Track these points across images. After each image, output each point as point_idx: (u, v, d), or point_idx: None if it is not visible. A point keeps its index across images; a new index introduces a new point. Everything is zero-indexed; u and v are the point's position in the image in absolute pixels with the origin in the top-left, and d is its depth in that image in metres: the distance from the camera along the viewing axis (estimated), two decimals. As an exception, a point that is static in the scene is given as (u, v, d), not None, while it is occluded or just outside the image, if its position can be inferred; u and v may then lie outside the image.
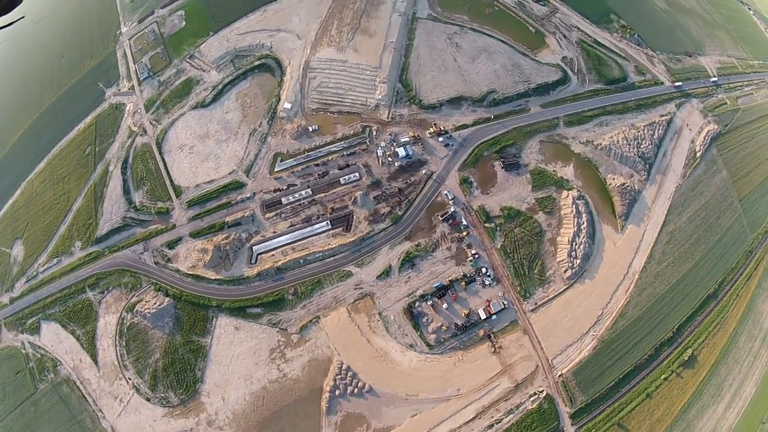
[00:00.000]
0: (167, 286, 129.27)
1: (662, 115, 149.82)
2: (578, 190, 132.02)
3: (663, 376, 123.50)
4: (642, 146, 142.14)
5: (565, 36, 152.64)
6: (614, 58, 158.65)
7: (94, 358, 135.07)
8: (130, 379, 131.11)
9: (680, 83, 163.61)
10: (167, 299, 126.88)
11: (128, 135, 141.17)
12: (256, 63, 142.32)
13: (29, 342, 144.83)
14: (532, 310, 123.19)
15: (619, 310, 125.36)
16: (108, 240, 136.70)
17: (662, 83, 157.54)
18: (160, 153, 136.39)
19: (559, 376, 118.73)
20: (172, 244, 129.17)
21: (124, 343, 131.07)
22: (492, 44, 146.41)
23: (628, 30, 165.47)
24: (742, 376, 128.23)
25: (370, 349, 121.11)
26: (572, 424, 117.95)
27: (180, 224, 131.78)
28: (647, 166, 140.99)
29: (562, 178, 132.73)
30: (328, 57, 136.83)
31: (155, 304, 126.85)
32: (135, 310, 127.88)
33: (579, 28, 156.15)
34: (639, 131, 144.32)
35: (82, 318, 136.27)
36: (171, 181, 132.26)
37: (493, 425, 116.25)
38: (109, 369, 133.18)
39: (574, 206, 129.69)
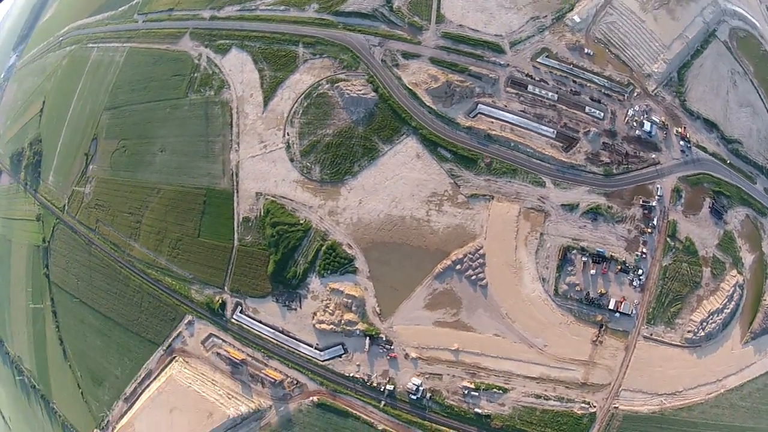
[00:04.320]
0: (380, 84, 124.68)
1: None
2: (744, 280, 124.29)
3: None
4: None
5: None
6: None
7: (266, 100, 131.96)
8: (288, 134, 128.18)
9: None
10: (373, 94, 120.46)
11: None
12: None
13: (208, 57, 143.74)
14: (645, 337, 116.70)
15: (690, 403, 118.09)
16: (347, 18, 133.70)
17: None
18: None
19: (615, 407, 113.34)
20: (408, 56, 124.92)
21: (305, 104, 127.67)
22: (760, 107, 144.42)
23: None
24: None
25: (510, 255, 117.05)
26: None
27: (426, 45, 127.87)
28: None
29: (740, 258, 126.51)
30: (631, 8, 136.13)
31: (359, 90, 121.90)
32: (336, 84, 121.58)
33: None
34: None
35: (279, 64, 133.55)
36: (439, 7, 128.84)
37: (540, 397, 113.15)
38: (273, 116, 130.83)
39: (732, 289, 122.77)
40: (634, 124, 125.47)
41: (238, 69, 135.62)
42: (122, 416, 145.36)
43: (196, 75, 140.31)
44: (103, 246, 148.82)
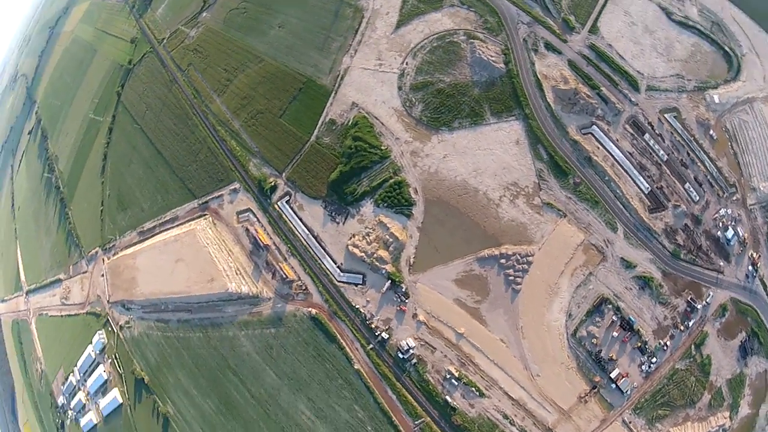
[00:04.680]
0: (513, 60, 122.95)
1: None
2: (730, 428, 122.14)
3: None
4: None
5: None
6: None
7: (399, 23, 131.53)
8: (406, 64, 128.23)
9: None
10: (503, 65, 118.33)
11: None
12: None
13: None
14: (623, 422, 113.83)
15: None
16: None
17: None
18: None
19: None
20: (549, 47, 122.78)
21: (435, 44, 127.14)
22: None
23: None
24: None
25: (554, 276, 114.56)
26: None
27: (570, 46, 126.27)
28: None
29: (739, 405, 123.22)
30: (766, 119, 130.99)
31: (491, 56, 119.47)
32: (472, 41, 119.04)
33: None
34: None
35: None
36: (597, 17, 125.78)
37: (507, 418, 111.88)
38: (400, 41, 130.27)
39: (716, 429, 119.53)
40: (720, 224, 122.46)
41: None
42: (129, 246, 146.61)
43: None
44: (185, 88, 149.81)
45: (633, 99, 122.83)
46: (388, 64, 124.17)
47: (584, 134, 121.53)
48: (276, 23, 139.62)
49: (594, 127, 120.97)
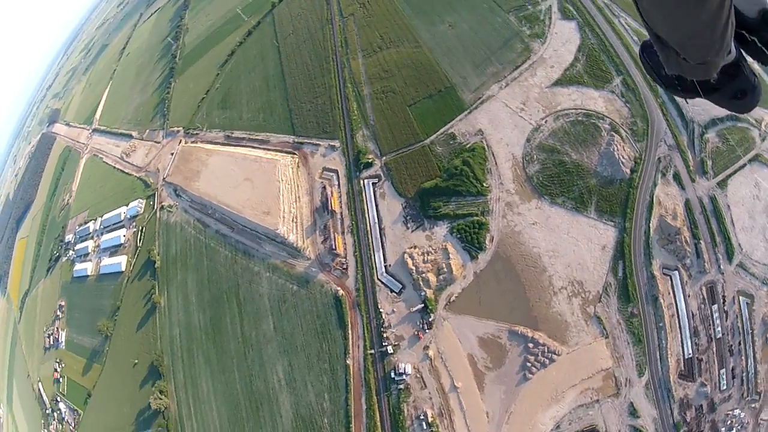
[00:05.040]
0: (640, 173, 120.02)
1: None
2: None
3: None
4: None
5: None
6: None
7: (558, 82, 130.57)
8: (545, 122, 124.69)
9: None
10: (629, 171, 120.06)
11: None
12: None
13: (551, 8, 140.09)
14: None
15: None
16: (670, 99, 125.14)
17: None
18: None
19: None
20: (677, 178, 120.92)
21: (578, 117, 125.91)
22: None
23: None
24: None
25: (563, 388, 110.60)
26: None
27: (695, 186, 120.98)
28: None
29: None
30: None
31: (624, 158, 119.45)
32: (612, 133, 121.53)
33: None
34: None
35: (593, 73, 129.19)
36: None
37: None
38: (550, 97, 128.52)
39: None
40: (728, 422, 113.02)
41: (562, 40, 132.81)
42: (210, 143, 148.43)
43: (530, 8, 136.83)
44: (337, 34, 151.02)
45: (722, 267, 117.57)
46: (529, 113, 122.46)
47: (664, 274, 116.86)
48: (448, 20, 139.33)
49: (676, 272, 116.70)
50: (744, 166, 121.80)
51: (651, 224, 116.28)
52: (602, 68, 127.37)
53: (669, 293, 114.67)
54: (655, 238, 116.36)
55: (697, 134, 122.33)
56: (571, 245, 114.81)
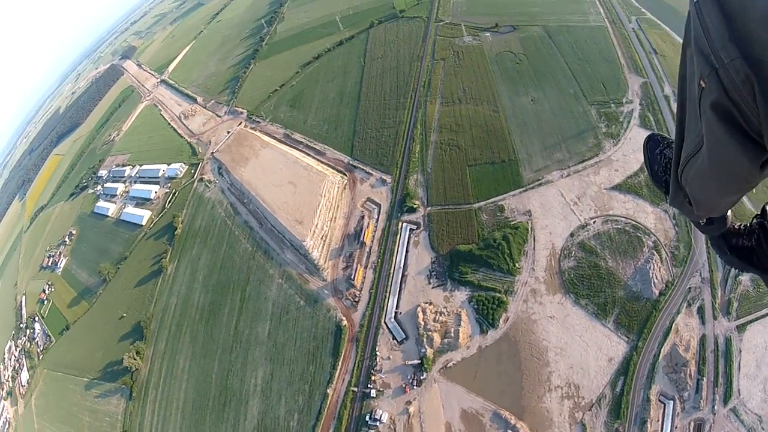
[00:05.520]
0: (668, 297, 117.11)
1: None
2: None
3: None
4: None
5: None
6: None
7: (617, 187, 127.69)
8: (594, 222, 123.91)
9: None
10: (657, 293, 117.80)
11: None
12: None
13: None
14: None
15: None
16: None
17: None
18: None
19: None
20: (700, 312, 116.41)
21: (628, 225, 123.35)
22: None
23: None
24: None
25: None
26: None
27: (715, 323, 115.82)
28: None
29: None
30: None
31: (656, 277, 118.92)
32: (653, 252, 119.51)
33: None
34: None
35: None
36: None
37: None
38: (605, 198, 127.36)
39: None
40: None
41: (633, 147, 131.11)
42: (269, 136, 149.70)
43: (613, 106, 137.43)
44: (422, 73, 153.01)
45: (716, 407, 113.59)
46: (581, 209, 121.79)
47: (660, 401, 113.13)
48: (532, 94, 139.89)
49: (672, 402, 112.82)
50: (766, 316, 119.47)
51: (663, 349, 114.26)
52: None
53: (658, 420, 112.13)
54: (662, 364, 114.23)
55: (732, 274, 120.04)
56: (581, 349, 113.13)
